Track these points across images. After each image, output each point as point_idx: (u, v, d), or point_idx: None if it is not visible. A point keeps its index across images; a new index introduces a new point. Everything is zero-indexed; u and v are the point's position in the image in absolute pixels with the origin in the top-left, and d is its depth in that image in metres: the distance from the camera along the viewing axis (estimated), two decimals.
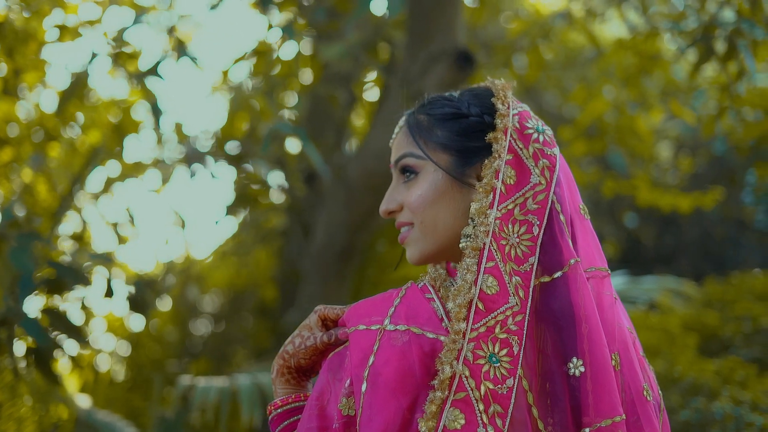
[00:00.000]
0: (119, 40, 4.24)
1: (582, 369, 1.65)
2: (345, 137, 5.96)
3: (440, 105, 1.88)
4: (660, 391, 1.84)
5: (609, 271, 1.84)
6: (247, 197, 6.27)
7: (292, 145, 5.51)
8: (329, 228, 4.96)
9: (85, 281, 3.72)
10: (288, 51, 4.92)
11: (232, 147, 5.79)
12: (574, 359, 1.65)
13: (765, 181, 7.27)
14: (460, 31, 4.36)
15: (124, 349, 6.70)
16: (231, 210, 6.31)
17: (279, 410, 1.84)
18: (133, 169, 5.72)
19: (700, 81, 5.90)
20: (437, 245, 1.83)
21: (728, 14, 4.16)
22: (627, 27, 5.88)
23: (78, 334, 3.74)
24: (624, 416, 1.66)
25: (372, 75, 5.90)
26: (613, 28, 7.69)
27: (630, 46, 5.83)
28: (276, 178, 6.09)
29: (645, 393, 1.75)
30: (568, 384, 1.65)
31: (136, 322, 6.56)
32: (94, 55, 4.28)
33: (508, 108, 1.82)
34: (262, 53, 4.92)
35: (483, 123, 1.83)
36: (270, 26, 4.53)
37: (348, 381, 1.68)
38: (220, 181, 6.03)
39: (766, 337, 4.98)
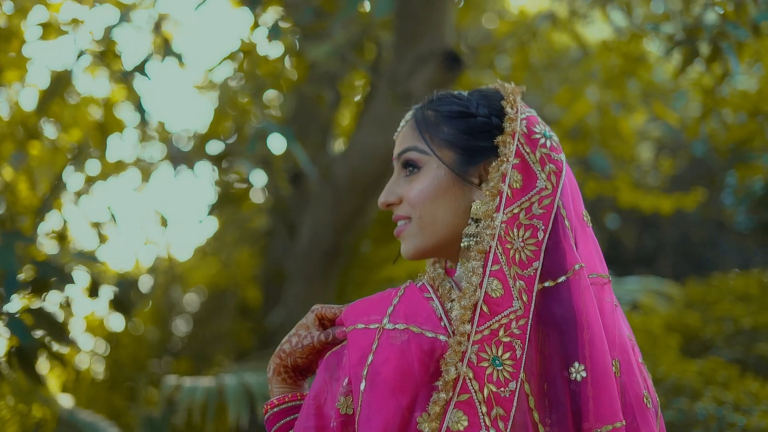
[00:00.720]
0: (106, 38, 4.22)
1: (583, 374, 1.65)
2: (330, 137, 5.95)
3: (449, 102, 1.88)
4: (657, 398, 1.85)
5: (610, 278, 1.85)
6: (230, 197, 6.25)
7: (277, 145, 5.51)
8: (315, 228, 4.96)
9: (71, 280, 3.69)
10: (274, 50, 4.91)
11: (216, 146, 5.77)
12: (576, 364, 1.66)
13: (745, 183, 7.32)
14: (448, 32, 4.37)
15: (104, 348, 6.66)
16: (214, 210, 6.30)
17: (275, 409, 1.84)
18: (115, 168, 5.69)
19: (680, 83, 5.93)
20: (433, 241, 1.84)
21: (712, 16, 4.18)
22: (612, 28, 5.91)
23: (62, 333, 3.72)
24: (624, 422, 1.68)
25: (361, 76, 5.90)
26: (597, 30, 7.72)
27: (614, 48, 5.85)
28: (259, 178, 6.08)
29: (645, 400, 1.76)
30: (569, 389, 1.66)
31: (116, 322, 6.53)
32: (81, 53, 4.25)
33: (517, 112, 1.82)
34: (248, 52, 4.91)
35: (490, 124, 1.83)
36: (256, 25, 4.51)
37: (346, 380, 1.68)
38: (202, 180, 6.01)
39: (747, 338, 5.01)
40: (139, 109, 4.19)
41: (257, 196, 6.69)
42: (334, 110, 5.78)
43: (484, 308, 1.66)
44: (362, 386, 1.64)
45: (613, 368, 1.70)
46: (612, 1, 5.37)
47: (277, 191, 5.94)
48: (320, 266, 4.99)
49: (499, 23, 7.15)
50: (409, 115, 1.92)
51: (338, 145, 6.67)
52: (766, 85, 5.29)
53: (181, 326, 7.29)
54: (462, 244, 1.79)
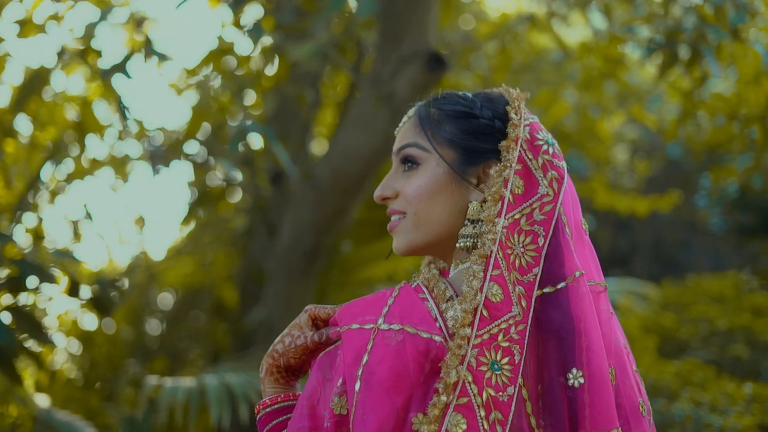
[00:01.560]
0: (88, 36, 4.18)
1: (581, 380, 1.66)
2: (310, 137, 5.94)
3: (453, 102, 1.89)
4: (650, 405, 1.87)
5: (606, 286, 1.86)
6: (208, 196, 6.23)
7: (257, 144, 5.49)
8: (296, 228, 4.94)
9: (51, 279, 3.67)
10: (255, 49, 4.88)
11: (193, 146, 5.75)
12: (574, 370, 1.67)
13: (719, 185, 7.39)
14: (431, 33, 4.37)
15: (78, 348, 6.61)
16: (193, 210, 6.27)
17: (268, 409, 1.84)
18: (91, 166, 5.65)
19: (657, 85, 5.98)
20: (427, 238, 1.84)
21: (692, 19, 4.21)
22: (592, 31, 5.93)
23: (42, 333, 3.69)
24: (620, 429, 1.69)
25: (343, 76, 5.89)
26: (577, 33, 7.75)
27: (594, 50, 5.88)
28: (239, 176, 6.06)
29: (641, 408, 1.78)
30: (566, 395, 1.66)
31: (89, 321, 6.48)
32: (62, 51, 4.23)
33: (521, 118, 1.83)
34: (227, 51, 4.90)
35: (492, 127, 1.84)
36: (237, 24, 4.50)
37: (340, 380, 1.67)
38: (180, 179, 5.99)
39: (723, 339, 5.05)
40: (121, 107, 4.16)
41: (235, 196, 6.67)
42: (315, 110, 5.77)
43: (484, 312, 1.67)
44: (357, 386, 1.63)
45: (609, 375, 1.71)
46: (590, 3, 5.39)
47: (258, 191, 5.92)
48: (300, 266, 4.97)
49: (481, 25, 7.17)
50: (411, 112, 1.93)
51: (320, 146, 6.66)
52: (744, 88, 5.33)
53: (155, 326, 7.24)
54: (457, 245, 1.80)
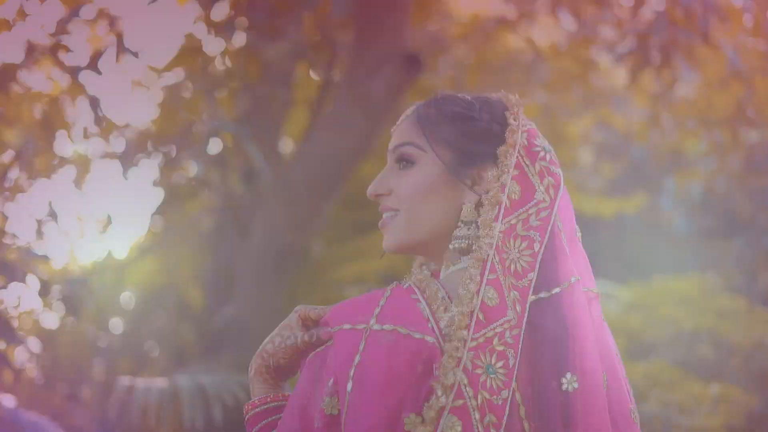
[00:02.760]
0: (58, 32, 4.14)
1: (575, 385, 1.67)
2: (281, 136, 5.91)
3: (452, 103, 1.89)
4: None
5: (599, 293, 1.88)
6: (177, 195, 6.18)
7: (229, 143, 5.46)
8: (268, 228, 4.91)
9: (20, 278, 3.63)
10: (225, 47, 4.86)
11: (165, 145, 5.71)
12: (568, 375, 1.67)
13: (684, 187, 7.47)
14: (407, 34, 4.37)
15: (39, 347, 6.54)
16: (162, 209, 6.23)
17: (257, 410, 1.83)
18: (57, 164, 5.59)
19: (626, 89, 6.03)
20: (418, 238, 1.84)
21: (662, 23, 4.24)
22: (563, 33, 5.96)
23: (11, 332, 3.65)
24: None
25: (317, 76, 5.87)
26: (547, 35, 7.78)
27: (565, 52, 5.91)
28: (209, 175, 6.03)
29: (632, 415, 1.80)
30: (559, 400, 1.67)
31: (51, 320, 6.42)
32: (30, 47, 4.18)
33: (519, 124, 1.84)
34: (198, 49, 4.87)
35: (490, 130, 1.84)
36: (209, 22, 4.47)
37: (331, 380, 1.67)
38: (147, 177, 5.95)
39: (689, 340, 5.10)
40: (92, 105, 4.12)
41: (205, 194, 6.62)
42: (287, 110, 5.74)
43: (480, 316, 1.67)
44: (349, 387, 1.63)
45: (603, 381, 1.73)
46: (559, 4, 5.42)
47: (229, 189, 5.88)
48: (272, 266, 4.94)
49: (449, 26, 7.17)
50: (409, 111, 1.93)
51: (291, 146, 6.63)
52: (713, 92, 5.39)
53: (119, 325, 7.19)
54: (451, 246, 1.80)
